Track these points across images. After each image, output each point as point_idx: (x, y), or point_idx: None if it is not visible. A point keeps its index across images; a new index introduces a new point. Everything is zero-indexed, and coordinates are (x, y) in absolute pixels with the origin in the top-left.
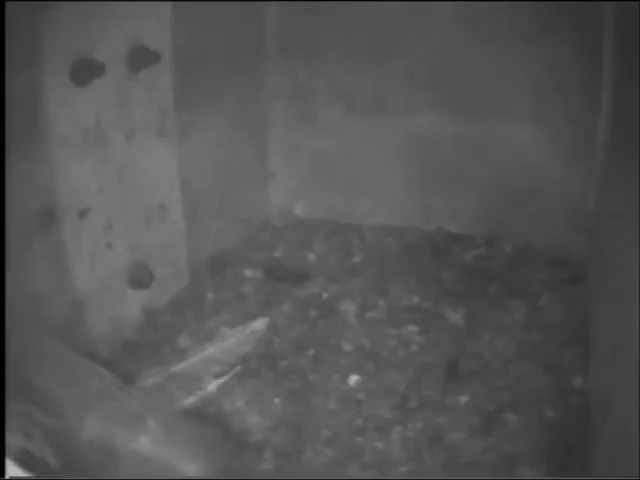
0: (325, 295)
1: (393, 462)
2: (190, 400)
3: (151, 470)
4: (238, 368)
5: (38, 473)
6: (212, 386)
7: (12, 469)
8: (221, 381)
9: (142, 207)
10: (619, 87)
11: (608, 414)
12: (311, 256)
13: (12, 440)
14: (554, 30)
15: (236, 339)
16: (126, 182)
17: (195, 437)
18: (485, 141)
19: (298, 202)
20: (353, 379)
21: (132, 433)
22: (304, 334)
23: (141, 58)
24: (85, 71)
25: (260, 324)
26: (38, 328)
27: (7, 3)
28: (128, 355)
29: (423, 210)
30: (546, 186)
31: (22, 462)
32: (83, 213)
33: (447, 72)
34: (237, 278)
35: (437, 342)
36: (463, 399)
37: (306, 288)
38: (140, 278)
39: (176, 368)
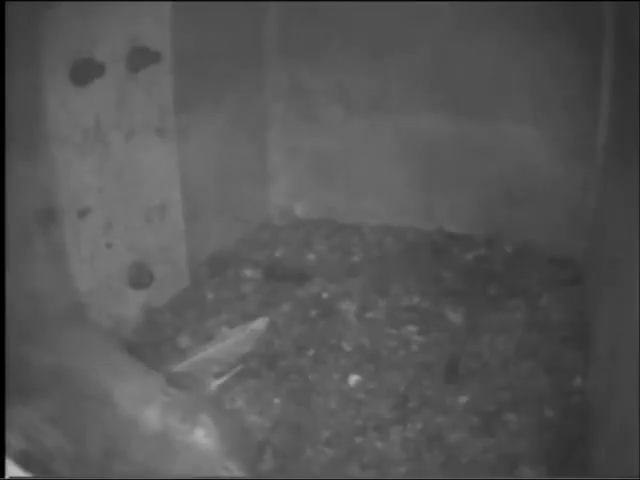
0: (325, 295)
1: (393, 462)
2: None
3: (204, 464)
4: (238, 368)
5: (37, 474)
6: (212, 386)
7: (12, 469)
8: (221, 381)
9: (142, 207)
10: (619, 87)
11: (608, 414)
12: (311, 256)
13: (14, 442)
14: (554, 30)
15: (236, 339)
16: (126, 182)
17: (238, 433)
18: (485, 141)
19: (298, 202)
20: (353, 379)
21: (189, 426)
22: (304, 334)
23: (141, 58)
24: (85, 71)
25: (260, 324)
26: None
27: (7, 3)
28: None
29: (423, 210)
30: (546, 186)
31: (22, 463)
32: (83, 213)
33: (447, 72)
34: (237, 278)
35: (437, 342)
36: (463, 399)
37: (306, 288)
38: (140, 278)
39: (176, 368)
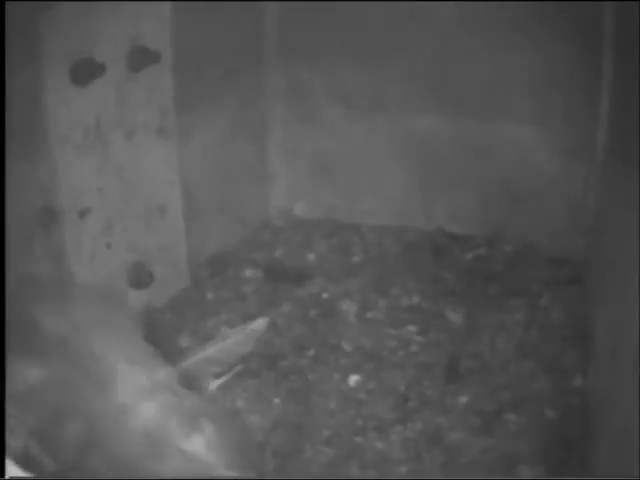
0: (325, 295)
1: (393, 462)
2: None
3: (195, 471)
4: (238, 368)
5: (38, 473)
6: (212, 386)
7: (12, 469)
8: (221, 381)
9: (142, 207)
10: (619, 87)
11: (608, 414)
12: (311, 256)
13: (13, 441)
14: (554, 30)
15: (236, 339)
16: (126, 182)
17: (240, 444)
18: (485, 141)
19: (298, 202)
20: (353, 379)
21: (186, 430)
22: (304, 334)
23: (141, 58)
24: (85, 71)
25: (260, 324)
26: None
27: (7, 3)
28: None
29: (423, 210)
30: (546, 186)
31: (22, 462)
32: (83, 213)
33: (447, 72)
34: (237, 278)
35: (437, 342)
36: (463, 399)
37: (306, 288)
38: (140, 278)
39: (176, 368)
